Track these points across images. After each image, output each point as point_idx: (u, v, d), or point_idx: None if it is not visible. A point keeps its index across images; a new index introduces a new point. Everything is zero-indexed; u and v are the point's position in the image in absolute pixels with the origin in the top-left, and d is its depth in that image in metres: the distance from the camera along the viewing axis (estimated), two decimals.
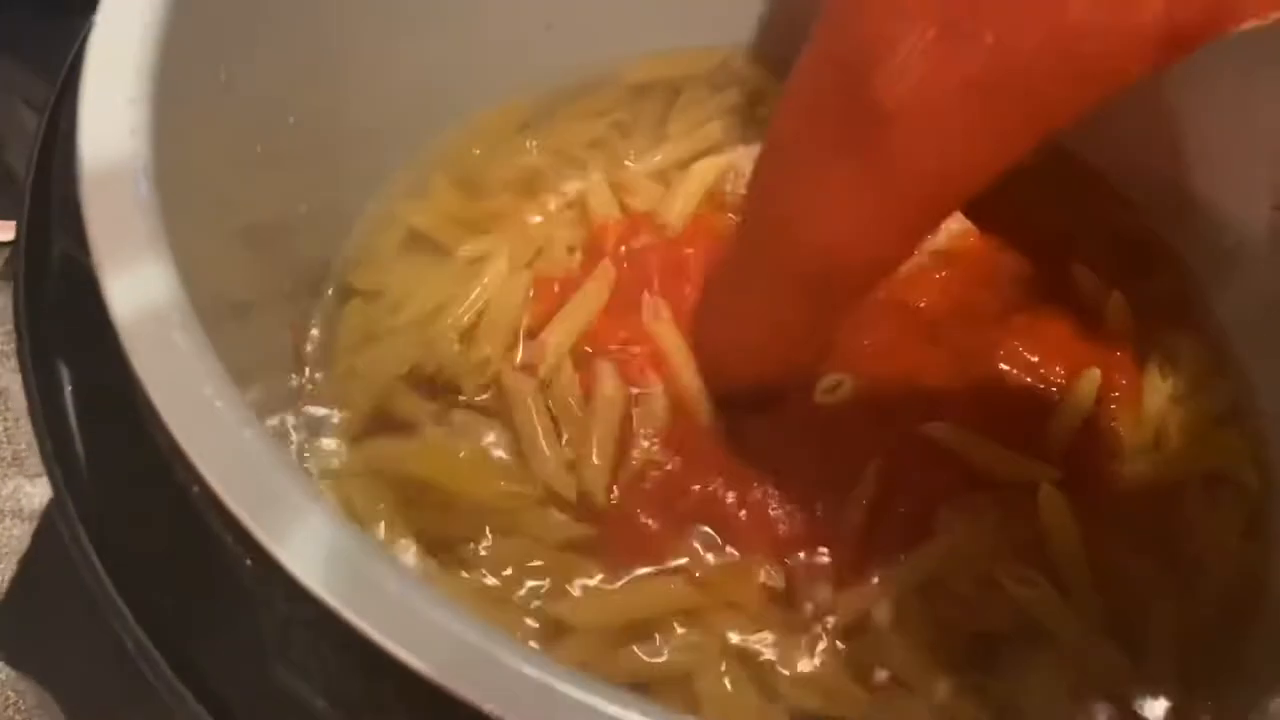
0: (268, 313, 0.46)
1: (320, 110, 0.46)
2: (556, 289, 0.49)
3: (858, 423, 0.44)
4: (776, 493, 0.43)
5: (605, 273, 0.49)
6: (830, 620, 0.41)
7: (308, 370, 0.46)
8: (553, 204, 0.53)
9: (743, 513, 0.43)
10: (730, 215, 0.51)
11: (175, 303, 0.27)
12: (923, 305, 0.48)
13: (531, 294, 0.49)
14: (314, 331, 0.47)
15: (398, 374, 0.47)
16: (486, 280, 0.49)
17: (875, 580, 0.42)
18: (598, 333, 0.47)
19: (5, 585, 0.50)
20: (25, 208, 0.32)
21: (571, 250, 0.50)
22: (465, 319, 0.48)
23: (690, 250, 0.49)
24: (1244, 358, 0.49)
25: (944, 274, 0.50)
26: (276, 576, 0.23)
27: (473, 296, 0.49)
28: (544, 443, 0.44)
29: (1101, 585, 0.42)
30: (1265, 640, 0.43)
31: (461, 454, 0.44)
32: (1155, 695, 0.42)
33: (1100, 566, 0.43)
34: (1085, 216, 0.54)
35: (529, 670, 0.23)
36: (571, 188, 0.53)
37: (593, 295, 0.48)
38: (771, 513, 0.43)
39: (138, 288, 0.27)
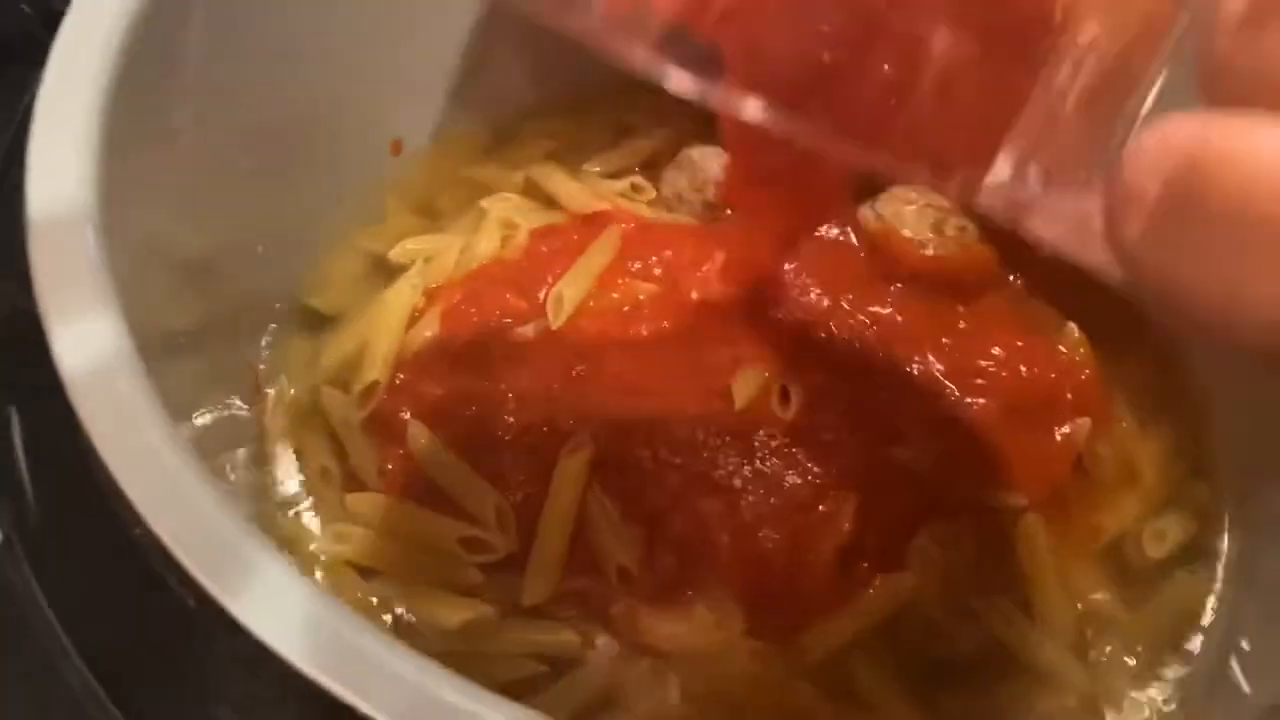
0: (220, 348, 0.46)
1: (274, 146, 0.46)
2: (544, 250, 0.50)
3: (832, 448, 0.45)
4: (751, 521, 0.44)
5: (612, 235, 0.50)
6: (802, 649, 0.42)
7: (266, 404, 0.47)
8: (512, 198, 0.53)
9: (725, 537, 0.44)
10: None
11: (121, 352, 0.27)
12: (899, 319, 0.49)
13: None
14: (262, 366, 0.48)
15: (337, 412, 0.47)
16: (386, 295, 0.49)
17: (846, 614, 0.43)
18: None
19: None
20: None
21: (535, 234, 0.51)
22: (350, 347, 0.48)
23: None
24: (1198, 375, 0.50)
25: (901, 287, 0.51)
26: (220, 620, 0.24)
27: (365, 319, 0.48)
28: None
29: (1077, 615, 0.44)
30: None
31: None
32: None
33: (1071, 595, 0.44)
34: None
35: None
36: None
37: (600, 252, 0.50)
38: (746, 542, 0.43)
39: (84, 338, 0.27)
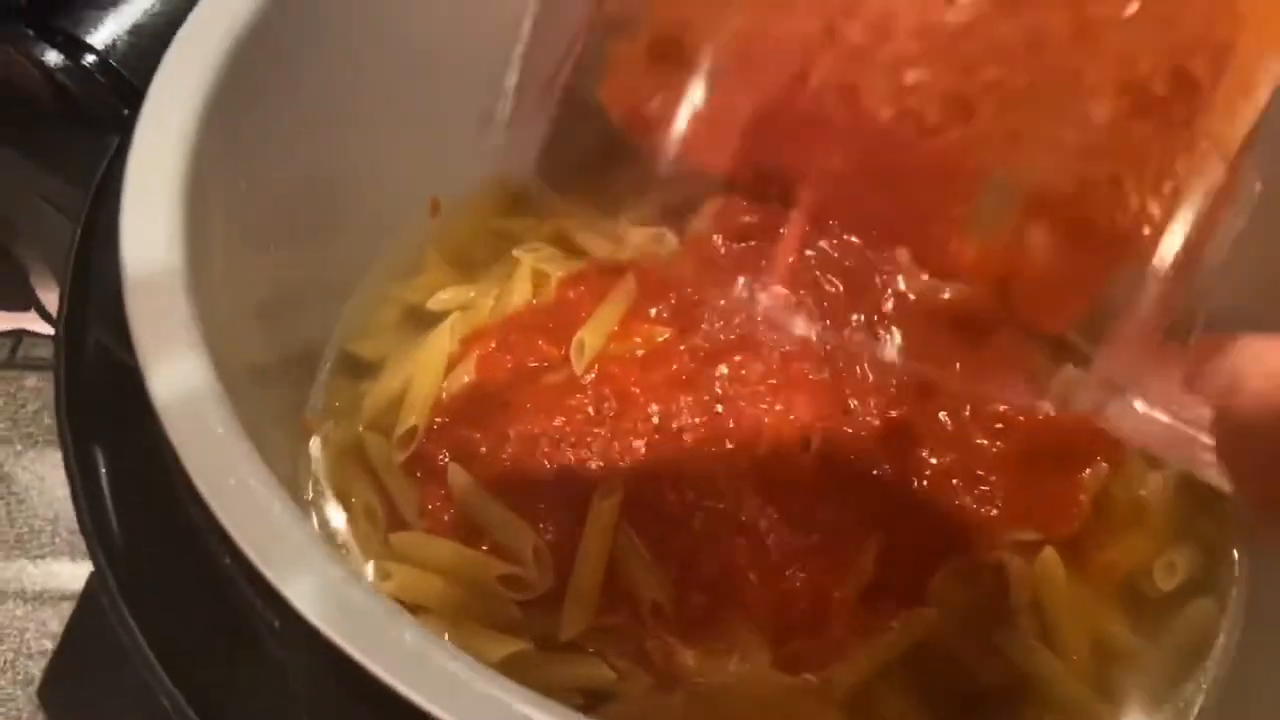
0: (275, 392, 0.48)
1: (321, 204, 0.49)
2: (572, 297, 0.53)
3: (853, 489, 0.47)
4: (777, 560, 0.45)
5: (629, 282, 0.53)
6: (829, 682, 0.44)
7: (314, 446, 0.49)
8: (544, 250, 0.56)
9: (752, 576, 0.45)
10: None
11: (211, 392, 0.30)
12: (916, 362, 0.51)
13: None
14: (310, 410, 0.50)
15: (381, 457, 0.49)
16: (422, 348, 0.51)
17: (870, 648, 0.44)
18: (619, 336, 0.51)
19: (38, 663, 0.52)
20: (64, 305, 0.35)
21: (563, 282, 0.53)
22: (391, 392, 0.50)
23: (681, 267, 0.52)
24: None
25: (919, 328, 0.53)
26: (302, 637, 0.26)
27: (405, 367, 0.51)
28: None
29: (1093, 647, 0.46)
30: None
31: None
32: None
33: (1088, 629, 0.46)
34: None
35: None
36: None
37: (618, 300, 0.52)
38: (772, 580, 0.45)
39: (177, 380, 0.29)
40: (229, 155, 0.38)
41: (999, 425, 0.50)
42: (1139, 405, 0.25)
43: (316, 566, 0.27)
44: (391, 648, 0.25)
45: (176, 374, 0.30)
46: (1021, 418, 0.50)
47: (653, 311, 0.53)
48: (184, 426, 0.28)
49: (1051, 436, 0.50)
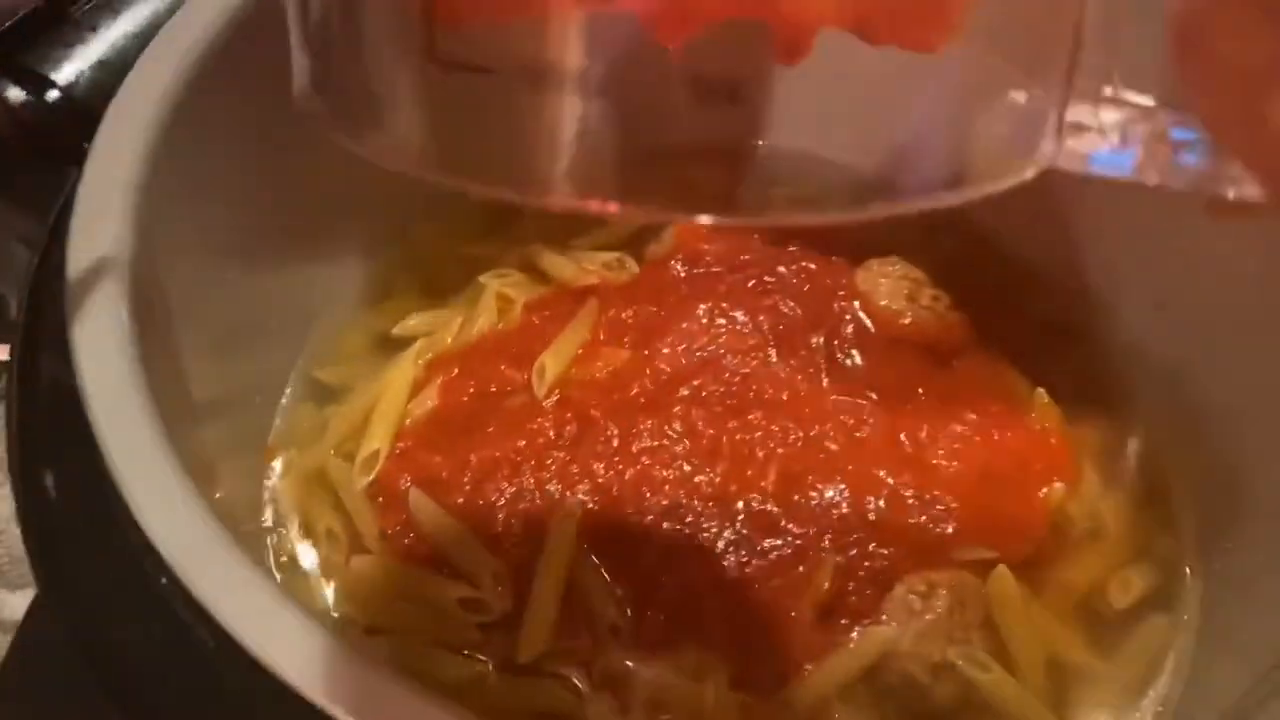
0: (238, 418, 0.49)
1: (287, 229, 0.50)
2: (536, 321, 0.54)
3: (810, 511, 0.48)
4: (734, 581, 0.46)
5: (592, 306, 0.53)
6: (787, 701, 0.44)
7: (277, 472, 0.50)
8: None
9: (710, 597, 0.46)
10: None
11: (152, 421, 0.31)
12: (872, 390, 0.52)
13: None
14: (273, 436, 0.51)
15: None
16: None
17: (827, 666, 0.45)
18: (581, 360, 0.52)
19: None
20: (19, 335, 0.36)
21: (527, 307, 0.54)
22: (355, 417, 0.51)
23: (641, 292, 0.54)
24: (1157, 437, 0.53)
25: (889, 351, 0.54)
26: (245, 663, 0.26)
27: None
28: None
29: (1048, 665, 0.46)
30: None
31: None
32: None
33: (1043, 646, 0.46)
34: (1009, 304, 0.58)
35: None
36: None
37: (579, 326, 0.53)
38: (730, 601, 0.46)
39: (118, 408, 0.30)
40: (185, 185, 0.39)
41: (956, 445, 0.51)
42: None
43: (255, 592, 0.28)
44: (346, 681, 0.26)
45: (120, 405, 0.30)
46: (978, 438, 0.51)
47: (619, 336, 0.54)
48: (126, 460, 0.29)
49: (1008, 457, 0.51)
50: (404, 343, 0.54)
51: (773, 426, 0.50)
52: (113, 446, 0.29)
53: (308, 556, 0.48)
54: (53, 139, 0.41)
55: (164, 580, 0.28)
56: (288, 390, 0.52)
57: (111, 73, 0.43)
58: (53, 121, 0.41)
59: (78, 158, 0.38)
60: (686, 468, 0.49)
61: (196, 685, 0.28)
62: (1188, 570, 0.49)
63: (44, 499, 0.33)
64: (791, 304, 0.55)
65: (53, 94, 0.42)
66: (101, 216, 0.36)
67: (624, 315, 0.54)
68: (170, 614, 0.28)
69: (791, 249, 0.57)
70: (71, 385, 0.32)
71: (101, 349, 0.32)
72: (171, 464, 0.31)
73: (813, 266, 0.56)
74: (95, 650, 0.29)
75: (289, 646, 0.26)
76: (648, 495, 0.48)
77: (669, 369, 0.53)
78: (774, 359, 0.53)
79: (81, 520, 0.32)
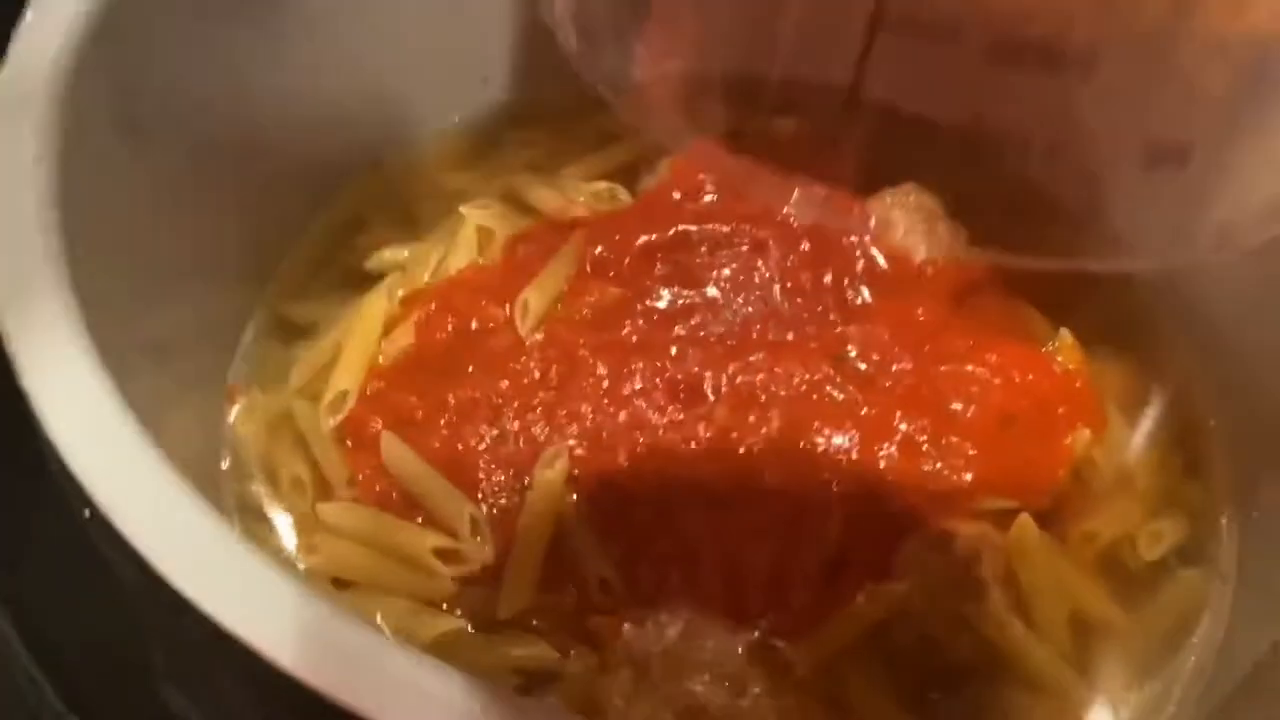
0: (196, 357, 0.45)
1: (251, 153, 0.46)
2: (520, 255, 0.50)
3: (815, 459, 0.44)
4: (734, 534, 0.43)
5: (579, 239, 0.49)
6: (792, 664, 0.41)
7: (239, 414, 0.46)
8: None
9: (707, 550, 0.42)
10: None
11: (86, 363, 0.27)
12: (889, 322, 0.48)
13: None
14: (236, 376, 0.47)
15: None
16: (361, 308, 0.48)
17: (834, 624, 0.41)
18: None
19: None
20: None
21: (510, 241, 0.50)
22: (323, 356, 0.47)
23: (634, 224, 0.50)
24: (1188, 377, 0.50)
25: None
26: (170, 603, 0.23)
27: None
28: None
29: (1071, 621, 0.43)
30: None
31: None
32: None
33: (1066, 601, 0.43)
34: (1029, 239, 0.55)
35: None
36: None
37: (566, 259, 0.49)
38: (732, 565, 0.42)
39: (47, 349, 0.26)
40: (117, 95, 0.35)
41: (974, 389, 0.47)
42: None
43: (187, 528, 0.24)
44: (267, 610, 0.22)
45: (48, 344, 0.26)
46: (997, 381, 0.47)
47: (607, 271, 0.50)
48: (58, 406, 0.25)
49: (1029, 401, 0.47)
50: (377, 278, 0.50)
51: (776, 369, 0.47)
52: (45, 394, 0.25)
53: (270, 504, 0.44)
54: None
55: (88, 514, 0.24)
56: (250, 327, 0.48)
57: None
58: None
59: None
60: (682, 412, 0.46)
61: (116, 630, 0.25)
62: (1223, 521, 0.46)
63: None
64: (799, 238, 0.51)
65: None
66: (20, 115, 0.32)
67: (614, 249, 0.50)
68: (93, 553, 0.24)
69: (798, 178, 0.53)
70: None
71: (20, 268, 0.28)
72: (103, 394, 0.27)
73: (822, 196, 0.52)
74: (7, 585, 0.25)
75: (244, 600, 0.22)
76: (640, 441, 0.45)
77: (663, 307, 0.49)
78: (778, 297, 0.50)
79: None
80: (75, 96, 0.33)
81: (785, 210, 0.52)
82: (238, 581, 0.24)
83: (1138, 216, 0.46)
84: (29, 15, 0.34)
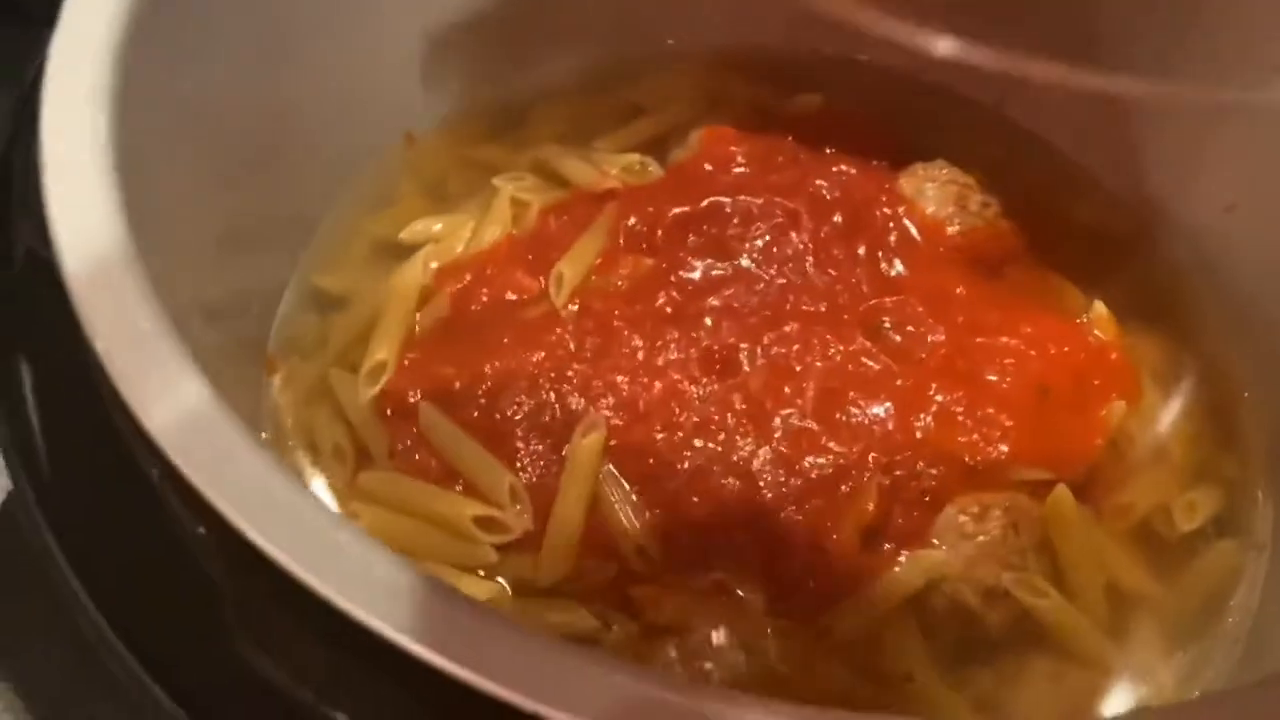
0: (233, 327, 0.45)
1: (286, 126, 0.46)
2: (553, 227, 0.50)
3: (853, 427, 0.44)
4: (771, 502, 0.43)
5: (612, 210, 0.49)
6: (828, 629, 0.41)
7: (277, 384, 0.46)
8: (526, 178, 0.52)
9: (744, 518, 0.43)
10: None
11: (153, 316, 0.27)
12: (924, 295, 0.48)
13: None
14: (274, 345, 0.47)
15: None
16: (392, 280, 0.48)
17: (871, 593, 0.42)
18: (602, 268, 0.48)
19: None
20: None
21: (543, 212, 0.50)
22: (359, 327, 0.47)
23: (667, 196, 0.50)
24: (1221, 349, 0.50)
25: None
26: (236, 550, 0.23)
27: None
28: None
29: (1107, 591, 0.43)
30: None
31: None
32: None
33: (1102, 571, 0.43)
34: (1062, 211, 0.55)
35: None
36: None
37: (598, 231, 0.49)
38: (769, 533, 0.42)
39: (102, 281, 0.26)
40: (168, 51, 0.35)
41: (1010, 360, 0.47)
42: None
43: (248, 469, 0.24)
44: (334, 557, 0.22)
45: (113, 298, 0.26)
46: (1033, 353, 0.47)
47: (640, 243, 0.50)
48: (126, 361, 0.25)
49: (1065, 373, 0.47)
50: (410, 249, 0.50)
51: (811, 340, 0.47)
52: (100, 330, 0.25)
53: (311, 473, 0.44)
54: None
55: (154, 472, 0.24)
56: (286, 298, 0.48)
57: None
58: None
59: (51, 21, 0.34)
60: (717, 383, 0.46)
61: (184, 580, 0.25)
62: (1259, 494, 0.46)
63: (18, 384, 0.29)
64: (831, 210, 0.51)
65: None
66: (76, 84, 0.32)
67: (647, 220, 0.50)
68: (161, 508, 0.24)
69: (829, 151, 0.53)
70: (47, 259, 0.28)
71: (86, 226, 0.28)
72: (171, 351, 0.27)
73: (853, 171, 0.52)
74: (75, 548, 0.25)
75: (285, 528, 0.22)
76: (676, 411, 0.45)
77: (696, 278, 0.49)
78: (811, 268, 0.50)
79: (59, 409, 0.28)
80: (127, 64, 0.33)
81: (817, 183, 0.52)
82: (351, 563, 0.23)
83: None
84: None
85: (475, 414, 0.45)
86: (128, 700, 0.24)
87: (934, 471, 0.44)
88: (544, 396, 0.45)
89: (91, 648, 0.25)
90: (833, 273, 0.49)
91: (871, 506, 0.43)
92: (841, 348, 0.47)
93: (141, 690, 0.24)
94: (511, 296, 0.48)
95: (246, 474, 0.23)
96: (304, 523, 0.23)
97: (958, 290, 0.49)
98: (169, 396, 0.24)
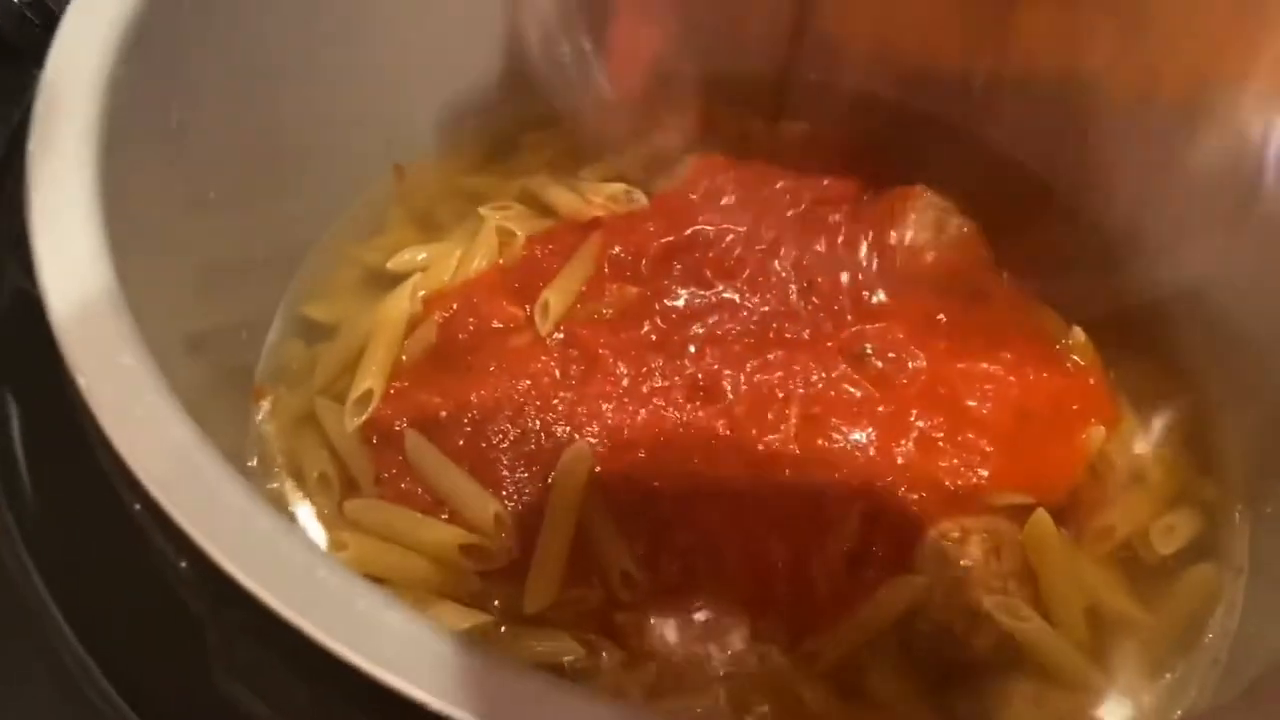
0: (221, 356, 0.46)
1: (276, 157, 0.47)
2: (539, 256, 0.50)
3: (836, 454, 0.45)
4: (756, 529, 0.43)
5: (597, 240, 0.50)
6: (813, 654, 0.42)
7: (265, 412, 0.47)
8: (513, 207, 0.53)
9: (729, 545, 0.43)
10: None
11: (121, 329, 0.27)
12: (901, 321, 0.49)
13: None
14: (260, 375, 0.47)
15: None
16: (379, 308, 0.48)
17: (855, 618, 0.42)
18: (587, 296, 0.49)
19: None
20: None
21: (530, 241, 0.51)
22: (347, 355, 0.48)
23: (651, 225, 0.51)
24: (1199, 374, 0.50)
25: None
26: (219, 586, 0.23)
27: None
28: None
29: (1088, 614, 0.43)
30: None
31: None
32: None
33: (1083, 594, 0.44)
34: (1040, 238, 0.55)
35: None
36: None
37: (584, 260, 0.50)
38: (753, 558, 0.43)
39: (94, 336, 0.27)
40: (156, 94, 0.36)
41: (989, 386, 0.48)
42: None
43: (232, 506, 0.24)
44: (312, 591, 0.23)
45: (96, 332, 0.27)
46: (1012, 378, 0.48)
47: (625, 272, 0.51)
48: (108, 395, 0.25)
49: (1044, 398, 0.48)
50: (397, 278, 0.50)
51: (794, 366, 0.47)
52: (95, 387, 0.26)
53: (296, 501, 0.45)
54: (14, 38, 0.38)
55: (137, 507, 0.24)
56: (274, 327, 0.49)
57: None
58: (12, 19, 0.38)
59: (39, 57, 0.35)
60: (701, 410, 0.46)
61: (167, 614, 0.25)
62: (1236, 516, 0.46)
63: (5, 420, 0.29)
64: (814, 238, 0.51)
65: None
66: (64, 121, 0.33)
67: (632, 249, 0.50)
68: (143, 541, 0.25)
69: (813, 177, 0.53)
70: (33, 295, 0.29)
71: (71, 263, 0.28)
72: (153, 386, 0.27)
73: (836, 198, 0.53)
74: (57, 581, 0.26)
75: (269, 567, 0.23)
76: (660, 438, 0.45)
77: (681, 306, 0.50)
78: (794, 296, 0.50)
79: (44, 445, 0.28)
80: (115, 100, 0.34)
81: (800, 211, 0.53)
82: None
83: None
84: (66, 21, 0.34)
85: (461, 442, 0.45)
86: None
87: (915, 497, 0.44)
88: (529, 424, 0.45)
89: (75, 681, 0.25)
90: (816, 300, 0.50)
91: (855, 531, 0.44)
92: (824, 374, 0.47)
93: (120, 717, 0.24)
94: (498, 325, 0.49)
95: (229, 509, 0.23)
96: (285, 558, 0.23)
97: (939, 317, 0.49)
98: (152, 432, 0.25)
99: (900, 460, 0.45)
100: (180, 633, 0.26)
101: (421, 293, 0.49)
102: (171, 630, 0.26)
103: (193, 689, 0.25)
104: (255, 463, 0.45)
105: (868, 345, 0.48)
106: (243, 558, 0.23)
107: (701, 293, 0.50)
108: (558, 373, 0.47)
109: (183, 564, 0.23)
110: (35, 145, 0.31)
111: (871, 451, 0.45)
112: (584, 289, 0.50)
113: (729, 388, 0.47)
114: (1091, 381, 0.48)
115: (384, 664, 0.22)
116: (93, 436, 0.26)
